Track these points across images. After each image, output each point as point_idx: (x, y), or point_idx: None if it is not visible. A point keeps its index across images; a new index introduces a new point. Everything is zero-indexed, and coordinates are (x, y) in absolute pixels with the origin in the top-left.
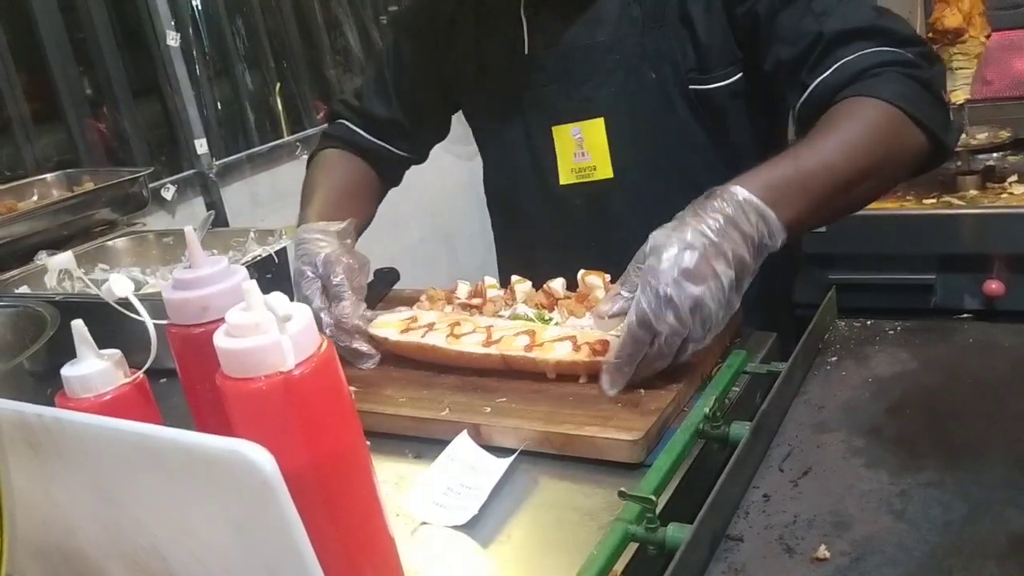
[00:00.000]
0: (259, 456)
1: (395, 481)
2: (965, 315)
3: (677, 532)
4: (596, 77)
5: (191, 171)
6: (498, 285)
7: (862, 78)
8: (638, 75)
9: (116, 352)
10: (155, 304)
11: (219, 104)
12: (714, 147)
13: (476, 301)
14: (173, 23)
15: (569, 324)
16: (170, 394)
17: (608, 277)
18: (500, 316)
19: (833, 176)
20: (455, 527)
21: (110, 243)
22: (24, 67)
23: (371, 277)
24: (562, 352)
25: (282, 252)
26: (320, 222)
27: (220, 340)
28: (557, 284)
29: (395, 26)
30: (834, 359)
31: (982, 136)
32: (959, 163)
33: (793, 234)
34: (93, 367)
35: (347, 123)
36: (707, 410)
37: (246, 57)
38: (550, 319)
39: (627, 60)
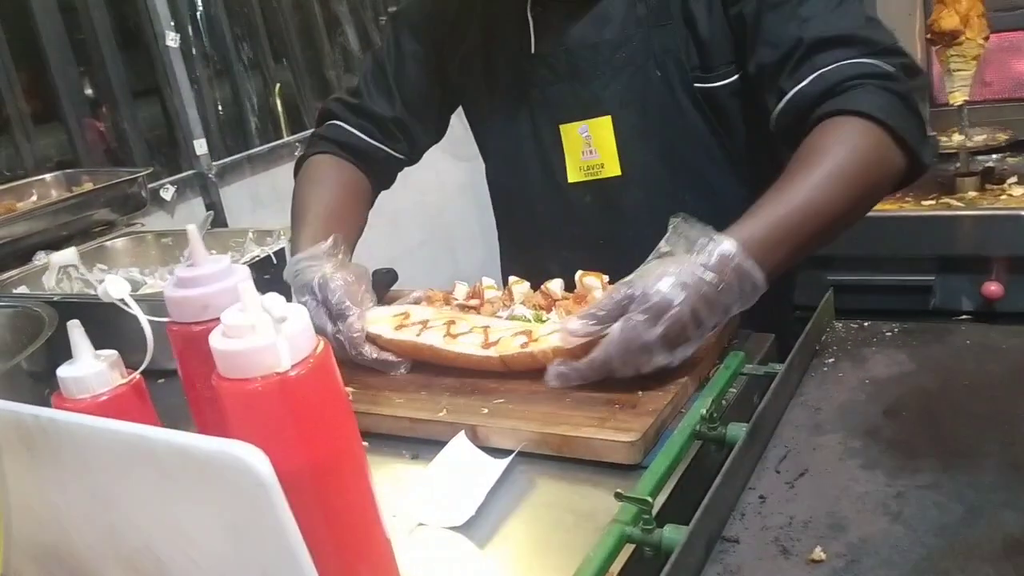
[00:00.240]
0: (254, 457)
1: (392, 482)
2: (964, 316)
3: (673, 533)
4: (603, 75)
5: (190, 172)
6: (496, 286)
7: (840, 90)
8: (644, 73)
9: (113, 353)
10: (153, 304)
11: (219, 105)
12: (720, 145)
13: (474, 302)
14: (172, 23)
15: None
16: (168, 394)
17: (607, 278)
18: (498, 317)
19: (821, 219)
20: (452, 528)
21: (109, 243)
22: (24, 67)
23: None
24: (558, 340)
25: (280, 253)
26: (308, 248)
27: (216, 341)
28: (555, 285)
29: (396, 22)
30: (831, 360)
31: (981, 138)
32: (958, 164)
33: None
34: (89, 368)
35: (342, 124)
36: (704, 411)
37: (246, 58)
38: (548, 320)
39: (633, 58)
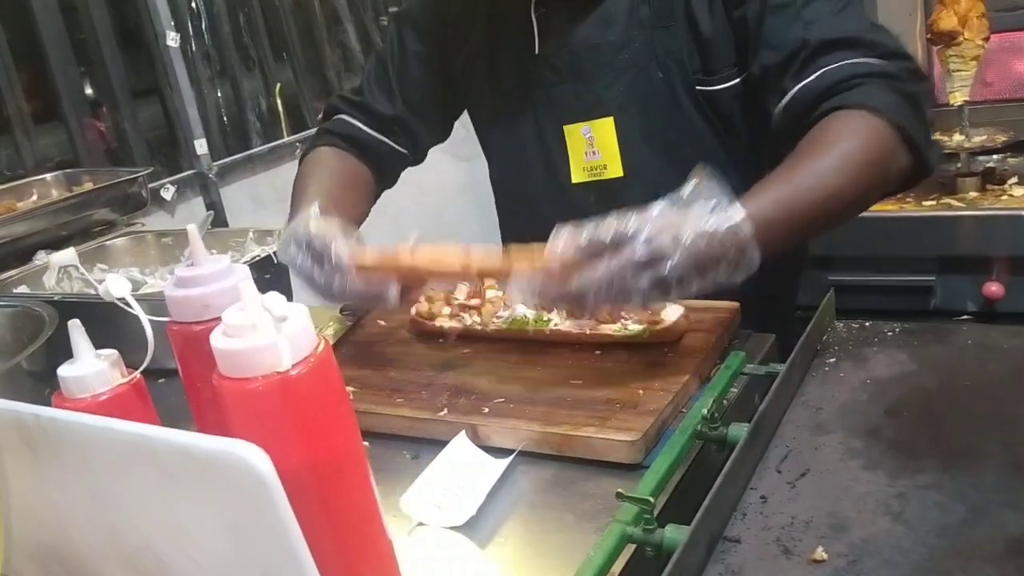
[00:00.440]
0: (255, 457)
1: (393, 482)
2: (964, 317)
3: (674, 533)
4: (605, 76)
5: (191, 171)
6: (496, 286)
7: (845, 87)
8: (647, 75)
9: (113, 352)
10: (154, 304)
11: (219, 104)
12: (722, 146)
13: (475, 302)
14: (173, 23)
15: (568, 325)
16: (169, 394)
17: None
18: (498, 318)
19: (827, 205)
20: (453, 528)
21: (109, 243)
22: (24, 67)
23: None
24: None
25: None
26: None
27: (217, 340)
28: None
29: (399, 22)
30: (832, 360)
31: (982, 138)
32: (959, 165)
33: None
34: (90, 367)
35: (346, 117)
36: (705, 411)
37: (246, 57)
38: (548, 320)
39: (636, 60)
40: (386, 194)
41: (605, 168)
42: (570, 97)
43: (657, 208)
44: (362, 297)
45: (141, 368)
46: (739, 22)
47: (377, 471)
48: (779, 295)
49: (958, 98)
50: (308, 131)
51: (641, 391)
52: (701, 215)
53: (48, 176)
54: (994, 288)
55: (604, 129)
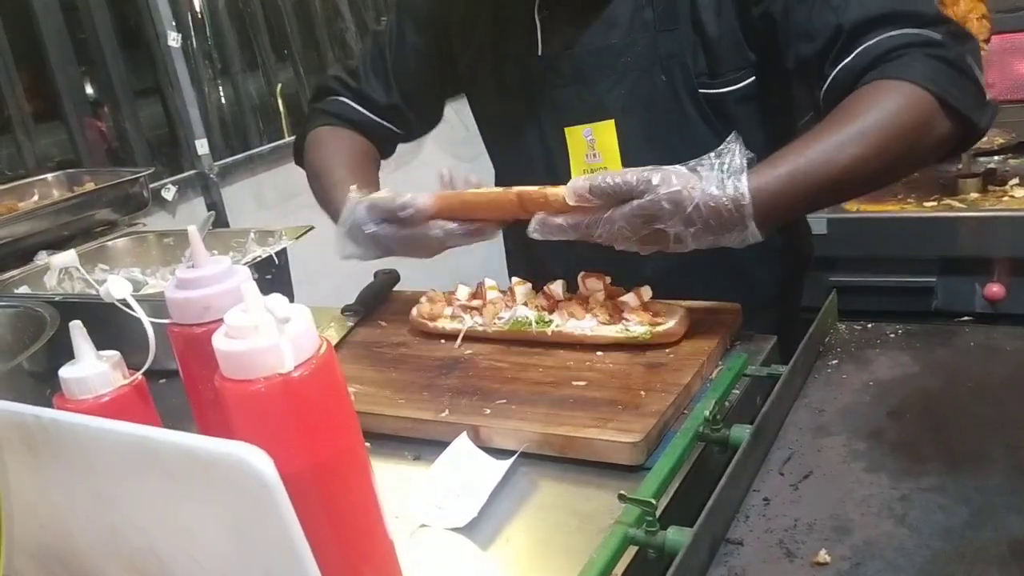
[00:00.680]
0: (258, 459)
1: (395, 483)
2: (966, 318)
3: (677, 536)
4: (608, 79)
5: (192, 171)
6: (498, 287)
7: (886, 60)
8: (649, 78)
9: (115, 353)
10: (155, 305)
11: (221, 104)
12: None
13: (476, 303)
14: (174, 23)
15: (569, 326)
16: (170, 395)
17: (608, 279)
18: (500, 318)
19: (839, 179)
20: (454, 529)
21: (110, 243)
22: (25, 67)
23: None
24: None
25: (282, 253)
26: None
27: (219, 342)
28: (557, 286)
29: (400, 12)
30: (835, 362)
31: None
32: (960, 166)
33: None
34: (91, 368)
35: (342, 99)
36: (707, 413)
37: (247, 57)
38: (550, 321)
39: (639, 63)
40: None
41: (606, 171)
42: (572, 99)
43: (672, 168)
44: (459, 236)
45: (143, 370)
46: (761, 19)
47: (379, 473)
48: (781, 297)
49: None
50: None
51: (643, 392)
52: (707, 180)
53: (49, 176)
54: (995, 289)
55: (605, 132)
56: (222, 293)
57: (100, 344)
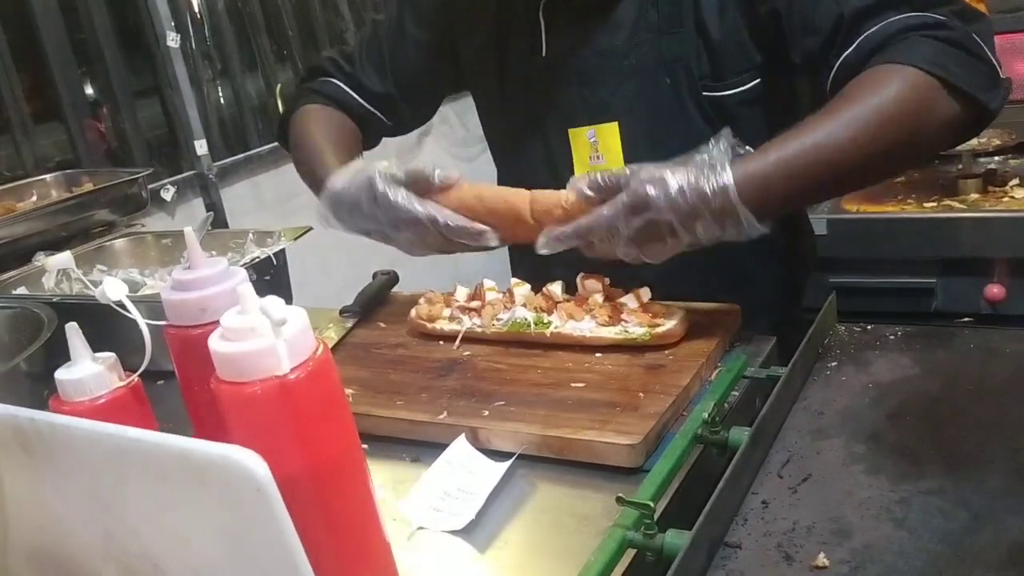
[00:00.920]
0: (252, 462)
1: (392, 485)
2: (966, 319)
3: (675, 539)
4: (612, 81)
5: (191, 172)
6: (497, 288)
7: (887, 46)
8: (653, 80)
9: (111, 355)
10: (152, 306)
11: (220, 105)
12: None
13: (475, 304)
14: (173, 23)
15: (568, 327)
16: (167, 396)
17: (607, 280)
18: (499, 320)
19: (835, 163)
20: (452, 532)
21: (108, 244)
22: (24, 67)
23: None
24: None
25: (281, 254)
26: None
27: (215, 343)
28: (556, 287)
29: (401, 3)
30: (834, 364)
31: (983, 139)
32: (960, 166)
33: (775, 217)
34: (87, 370)
35: (335, 81)
36: (706, 415)
37: (246, 58)
38: (549, 322)
39: (643, 65)
40: None
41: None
42: (576, 101)
43: (664, 164)
44: (466, 234)
45: (139, 371)
46: (767, 17)
47: (376, 475)
48: (782, 298)
49: None
50: None
51: (641, 394)
52: (692, 170)
53: (48, 177)
54: (995, 290)
55: (609, 133)
56: (218, 294)
57: (99, 345)
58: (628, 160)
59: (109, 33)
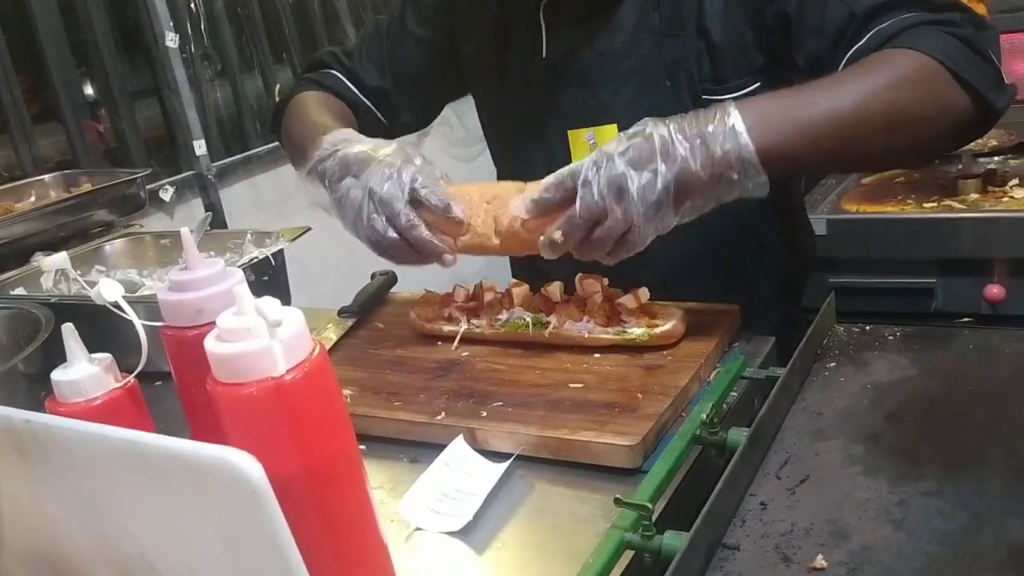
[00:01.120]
0: (247, 464)
1: (390, 486)
2: (966, 319)
3: (673, 540)
4: (612, 83)
5: (189, 172)
6: (496, 289)
7: (898, 37)
8: (654, 83)
9: (107, 356)
10: (150, 307)
11: (219, 105)
12: None
13: (473, 305)
14: (172, 24)
15: (567, 328)
16: (165, 397)
17: (606, 281)
18: (497, 320)
19: (839, 120)
20: (450, 533)
21: (106, 245)
22: (23, 68)
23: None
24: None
25: (279, 254)
26: (336, 132)
27: (211, 344)
28: (554, 288)
29: (404, 1)
30: (833, 365)
31: (983, 140)
32: (960, 166)
33: (777, 168)
34: (83, 371)
35: (334, 72)
36: (705, 416)
37: (245, 58)
38: (548, 323)
39: (643, 67)
40: None
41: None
42: (575, 102)
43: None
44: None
45: (135, 372)
46: (775, 19)
47: (374, 476)
48: (782, 298)
49: None
50: None
51: (640, 395)
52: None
53: (46, 177)
54: (995, 290)
55: (609, 136)
56: (215, 295)
57: (97, 346)
58: None
59: (108, 34)
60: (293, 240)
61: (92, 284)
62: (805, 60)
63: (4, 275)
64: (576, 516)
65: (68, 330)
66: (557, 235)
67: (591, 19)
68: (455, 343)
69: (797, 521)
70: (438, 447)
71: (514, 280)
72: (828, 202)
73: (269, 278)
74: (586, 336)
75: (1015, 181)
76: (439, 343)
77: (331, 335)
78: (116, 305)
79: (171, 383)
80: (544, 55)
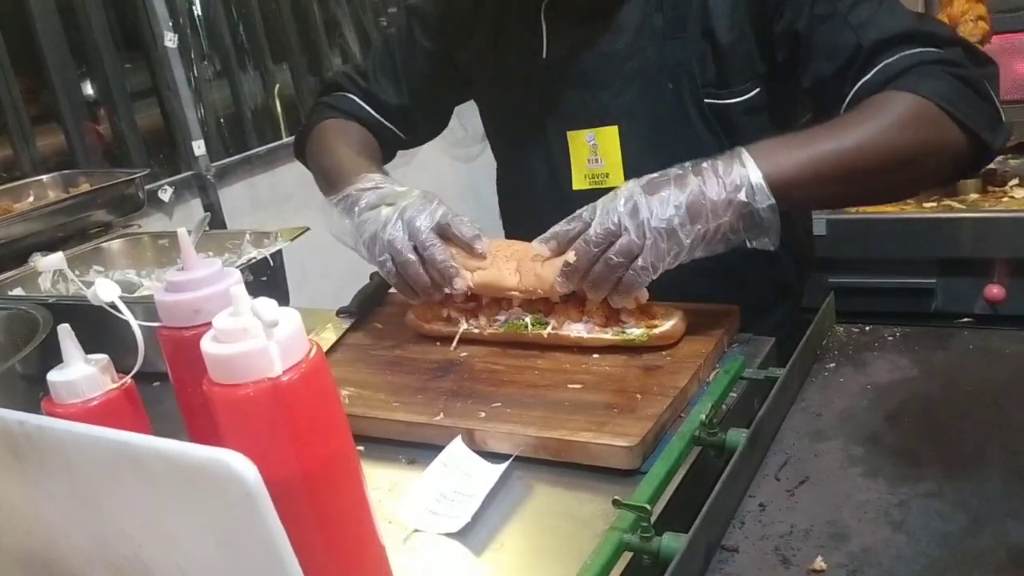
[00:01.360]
0: (242, 466)
1: (388, 487)
2: (966, 319)
3: (672, 542)
4: (613, 85)
5: (188, 173)
6: None
7: (903, 76)
8: (655, 85)
9: (103, 357)
10: (148, 308)
11: (218, 106)
12: None
13: (472, 305)
14: (171, 24)
15: (566, 328)
16: (163, 398)
17: None
18: (496, 321)
19: (843, 160)
20: (448, 534)
21: (105, 245)
22: (22, 69)
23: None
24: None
25: (278, 254)
26: (365, 175)
27: (207, 345)
28: None
29: (410, 14)
30: (832, 365)
31: None
32: None
33: (784, 196)
34: (80, 372)
35: (351, 96)
36: (704, 416)
37: (244, 59)
38: (546, 323)
39: (645, 69)
40: None
41: (607, 176)
42: (576, 103)
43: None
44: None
45: (131, 373)
46: (784, 35)
47: (372, 477)
48: (781, 299)
49: None
50: None
51: (639, 396)
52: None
53: (45, 177)
54: (995, 290)
55: (608, 137)
56: (212, 296)
57: (96, 347)
58: (627, 164)
59: (107, 34)
60: (292, 240)
61: (89, 285)
62: (811, 82)
63: (2, 275)
64: (575, 517)
65: (64, 331)
66: (571, 256)
67: (593, 20)
68: (454, 343)
69: (796, 523)
70: (436, 448)
71: None
72: None
73: (268, 278)
74: (585, 337)
75: (1015, 181)
76: (438, 343)
77: (329, 335)
78: (112, 305)
79: (169, 384)
80: (544, 56)
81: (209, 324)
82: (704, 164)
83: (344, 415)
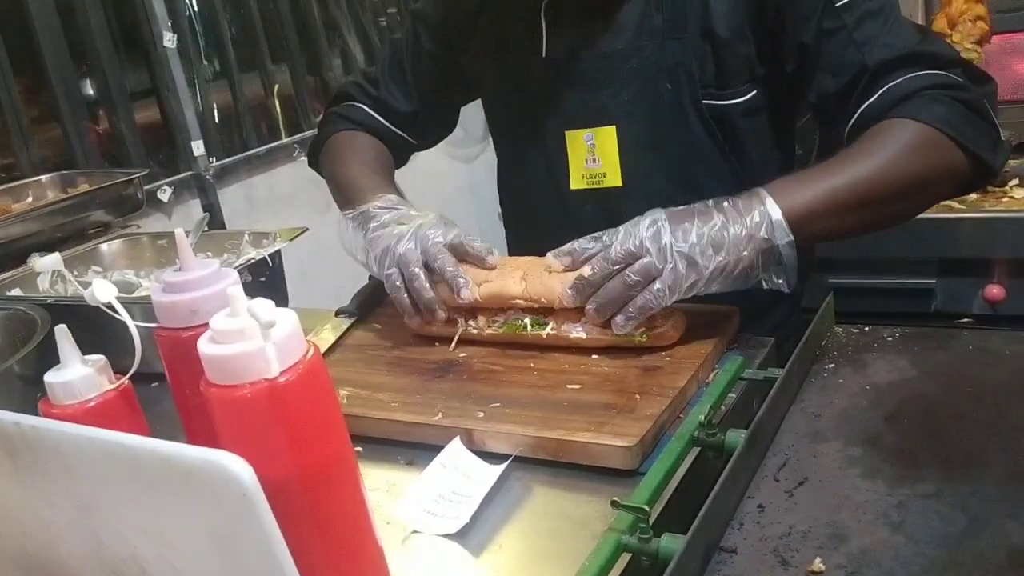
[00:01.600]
0: (238, 467)
1: (386, 488)
2: (965, 320)
3: (670, 543)
4: (612, 85)
5: (188, 173)
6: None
7: (907, 101)
8: (654, 85)
9: (100, 358)
10: (146, 308)
11: (217, 106)
12: (725, 161)
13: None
14: (170, 24)
15: (565, 329)
16: (161, 399)
17: None
18: (495, 321)
19: (857, 192)
20: (446, 535)
21: (103, 245)
22: (22, 69)
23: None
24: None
25: (277, 255)
26: (380, 195)
27: (204, 346)
28: None
29: (415, 19)
30: (831, 366)
31: None
32: None
33: (802, 229)
34: (77, 373)
35: (362, 106)
36: (703, 417)
37: (244, 59)
38: (545, 324)
39: (644, 69)
40: None
41: (604, 176)
42: (574, 103)
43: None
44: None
45: (129, 374)
46: (791, 47)
47: (370, 478)
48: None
49: None
50: (305, 133)
51: (638, 396)
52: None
53: (43, 178)
54: (995, 291)
55: (606, 137)
56: (209, 297)
57: (92, 347)
58: (624, 164)
59: (106, 34)
60: (291, 240)
61: (88, 285)
62: (816, 96)
63: (1, 276)
64: (573, 518)
65: (61, 332)
66: (587, 270)
67: (593, 20)
68: (453, 344)
69: (795, 524)
70: (435, 448)
71: None
72: None
73: (267, 279)
74: (584, 337)
75: (1015, 181)
76: (436, 344)
77: (328, 336)
78: (109, 306)
79: (167, 385)
80: (544, 55)
81: (206, 325)
82: (725, 203)
83: (341, 416)
